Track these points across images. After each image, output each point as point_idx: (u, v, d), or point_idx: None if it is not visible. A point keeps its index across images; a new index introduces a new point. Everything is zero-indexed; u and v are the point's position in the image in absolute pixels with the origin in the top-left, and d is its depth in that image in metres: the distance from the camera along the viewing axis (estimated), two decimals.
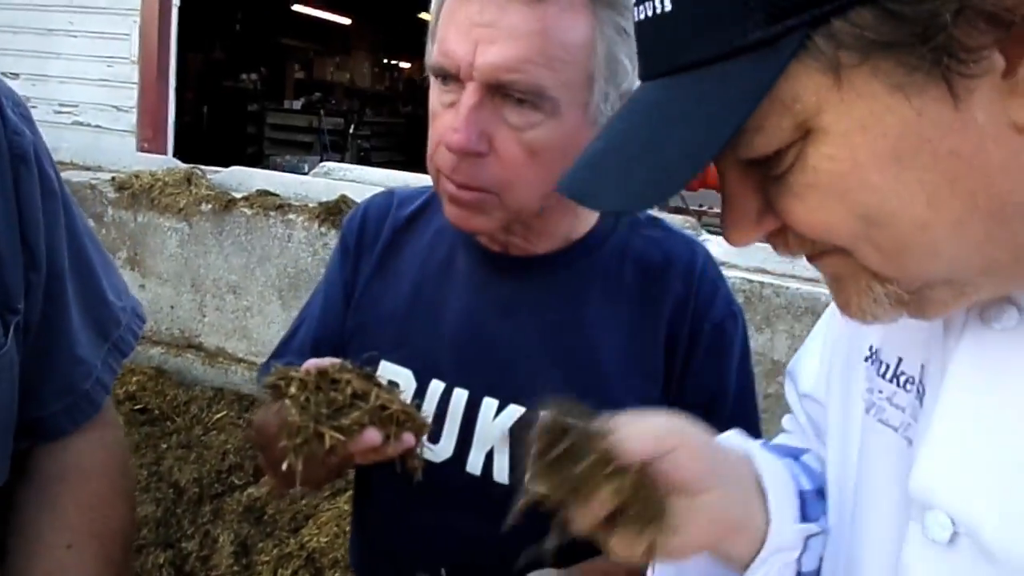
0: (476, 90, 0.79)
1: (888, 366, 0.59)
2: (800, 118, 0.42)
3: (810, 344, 0.77)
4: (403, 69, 17.22)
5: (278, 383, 0.77)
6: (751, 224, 0.49)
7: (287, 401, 0.75)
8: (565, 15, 0.78)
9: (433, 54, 0.83)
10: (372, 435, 0.75)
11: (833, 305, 0.69)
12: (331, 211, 3.17)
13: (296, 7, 12.49)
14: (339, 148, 12.15)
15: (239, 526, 2.48)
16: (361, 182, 3.74)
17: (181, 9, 5.27)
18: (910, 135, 0.41)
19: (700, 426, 0.63)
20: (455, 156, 0.81)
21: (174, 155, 5.03)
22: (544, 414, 0.61)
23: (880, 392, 0.59)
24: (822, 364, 0.72)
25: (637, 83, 0.86)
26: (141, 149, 5.06)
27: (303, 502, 2.58)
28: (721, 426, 0.94)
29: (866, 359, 0.62)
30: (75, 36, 5.36)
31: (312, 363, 0.79)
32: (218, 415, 3.14)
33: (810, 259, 0.50)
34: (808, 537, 0.63)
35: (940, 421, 0.51)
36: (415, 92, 16.49)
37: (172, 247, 3.44)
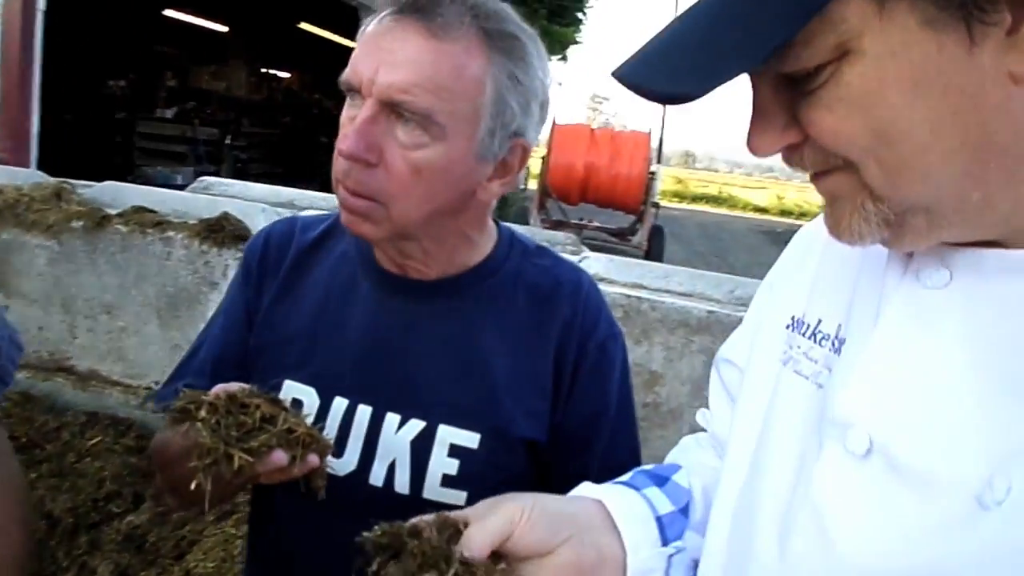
0: (372, 105, 0.88)
1: (808, 326, 0.68)
2: (843, 38, 0.48)
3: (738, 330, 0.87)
4: (282, 79, 16.86)
5: (188, 406, 0.81)
6: (776, 135, 0.55)
7: (198, 424, 0.80)
8: (460, 53, 0.88)
9: (346, 72, 0.92)
10: (279, 456, 0.81)
11: (766, 282, 0.81)
12: (212, 228, 3.10)
13: (169, 12, 12.03)
14: (215, 159, 11.78)
15: (119, 555, 2.39)
16: (243, 198, 3.68)
17: (46, 12, 5.02)
18: (930, 66, 0.48)
19: (543, 493, 0.74)
20: (348, 163, 0.90)
21: (38, 168, 4.77)
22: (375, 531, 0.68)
23: (798, 347, 0.68)
24: (746, 332, 0.83)
25: (525, 124, 0.96)
26: (1, 162, 4.77)
27: (187, 528, 2.52)
28: (604, 436, 1.04)
29: (787, 327, 0.71)
30: None
31: (221, 387, 0.84)
32: (92, 441, 3.00)
33: (815, 178, 0.57)
34: (671, 556, 0.74)
35: (870, 355, 0.59)
36: (294, 103, 16.18)
37: (40, 266, 3.28)
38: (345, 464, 0.99)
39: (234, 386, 0.85)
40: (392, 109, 0.88)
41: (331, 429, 1.00)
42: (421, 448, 0.98)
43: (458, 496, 0.97)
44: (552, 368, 1.02)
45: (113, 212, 3.26)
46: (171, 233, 3.14)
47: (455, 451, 0.98)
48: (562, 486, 1.05)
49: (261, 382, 0.95)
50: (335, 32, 12.69)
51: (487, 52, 0.90)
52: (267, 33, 13.97)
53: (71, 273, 3.25)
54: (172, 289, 3.15)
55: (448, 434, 0.98)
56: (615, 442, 1.05)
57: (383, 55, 0.87)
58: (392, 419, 0.99)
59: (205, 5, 12.22)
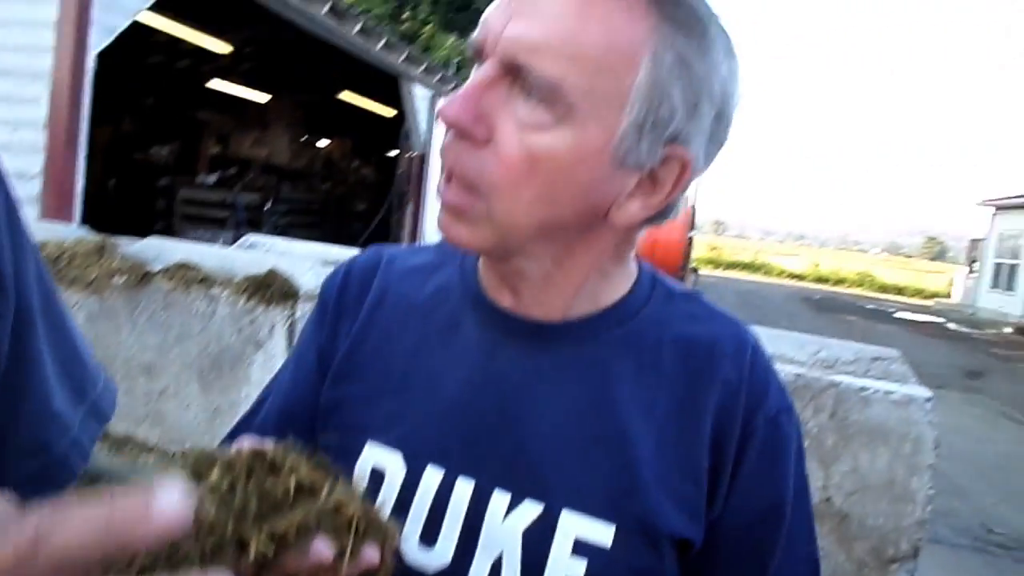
0: (492, 65, 0.69)
1: None
2: None
3: None
4: (321, 147, 17.13)
5: (198, 468, 0.53)
6: None
7: (204, 490, 0.51)
8: (617, 13, 0.67)
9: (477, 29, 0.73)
10: (320, 548, 0.52)
11: None
12: (259, 285, 2.95)
13: (214, 82, 12.31)
14: (255, 224, 11.87)
15: None
16: (289, 254, 3.54)
17: (95, 76, 5.03)
18: None
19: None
20: (450, 136, 0.71)
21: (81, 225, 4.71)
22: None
23: None
24: None
25: (689, 130, 0.72)
26: (44, 218, 4.72)
27: None
28: (777, 540, 0.79)
29: None
30: None
31: (248, 442, 0.57)
32: None
33: None
34: None
35: None
36: (333, 170, 16.39)
37: (79, 323, 3.14)
38: (437, 556, 0.76)
39: (265, 442, 0.58)
40: (515, 74, 0.68)
41: (421, 508, 0.77)
42: (537, 541, 0.74)
43: None
44: (709, 446, 0.78)
45: (156, 269, 3.12)
46: (216, 290, 2.99)
47: (581, 548, 0.74)
48: None
49: (336, 444, 0.75)
50: (375, 101, 12.85)
51: (653, 17, 0.68)
52: (308, 102, 14.21)
53: (111, 331, 3.11)
54: (215, 349, 2.99)
55: (573, 524, 0.74)
56: (791, 548, 0.81)
57: (519, 4, 0.69)
58: (500, 499, 0.76)
59: (249, 76, 12.47)
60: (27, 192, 4.99)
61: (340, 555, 0.52)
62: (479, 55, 0.72)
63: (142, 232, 4.47)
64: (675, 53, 0.68)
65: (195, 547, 0.48)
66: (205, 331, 3.00)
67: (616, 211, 0.74)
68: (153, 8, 5.85)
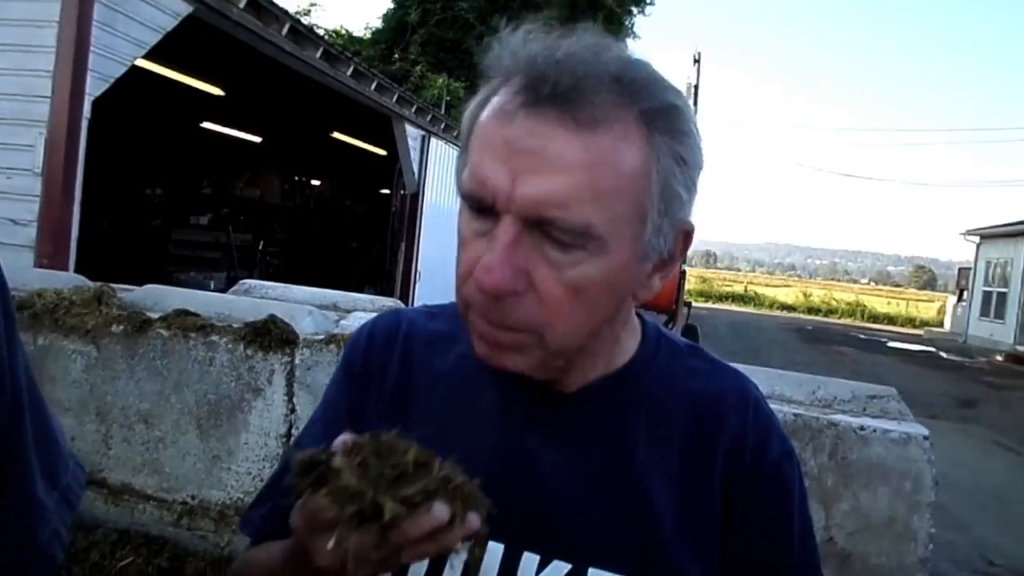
0: (514, 224, 0.69)
1: None
2: None
3: None
4: (314, 186, 17.19)
5: (318, 457, 0.63)
6: None
7: (338, 462, 0.62)
8: (618, 144, 0.70)
9: (465, 178, 0.73)
10: (440, 510, 0.62)
11: None
12: (258, 332, 2.95)
13: (206, 124, 12.38)
14: (247, 264, 11.86)
15: None
16: (286, 300, 3.55)
17: (89, 121, 5.07)
18: None
19: None
20: (488, 296, 0.71)
21: (76, 271, 4.71)
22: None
23: None
24: None
25: (693, 214, 0.78)
26: (40, 265, 4.72)
27: None
28: (789, 572, 0.85)
29: None
30: None
31: (347, 437, 0.66)
32: (123, 562, 2.77)
33: None
34: None
35: None
36: (326, 209, 16.44)
37: (76, 372, 3.13)
38: None
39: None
40: (539, 225, 0.70)
41: (454, 572, 0.80)
42: None
43: None
44: (720, 494, 0.83)
45: (155, 316, 3.13)
46: (215, 337, 3.00)
47: None
48: None
49: None
50: (365, 141, 12.95)
51: (647, 136, 0.72)
52: (300, 143, 14.30)
53: (108, 380, 3.10)
54: (214, 396, 2.98)
55: None
56: None
57: (522, 160, 0.69)
58: (530, 561, 0.80)
59: (240, 118, 12.57)
60: (22, 238, 4.99)
61: (452, 519, 0.62)
62: (480, 208, 0.72)
63: (136, 273, 4.48)
64: (671, 153, 0.73)
65: (340, 513, 0.60)
66: (204, 378, 3.00)
67: (640, 291, 0.80)
68: (147, 56, 5.91)
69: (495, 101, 0.72)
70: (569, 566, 0.79)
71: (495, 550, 0.80)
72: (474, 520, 0.64)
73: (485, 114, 0.73)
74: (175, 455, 3.02)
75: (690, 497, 0.82)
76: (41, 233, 4.84)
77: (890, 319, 36.49)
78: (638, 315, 0.90)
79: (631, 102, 0.70)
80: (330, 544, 0.60)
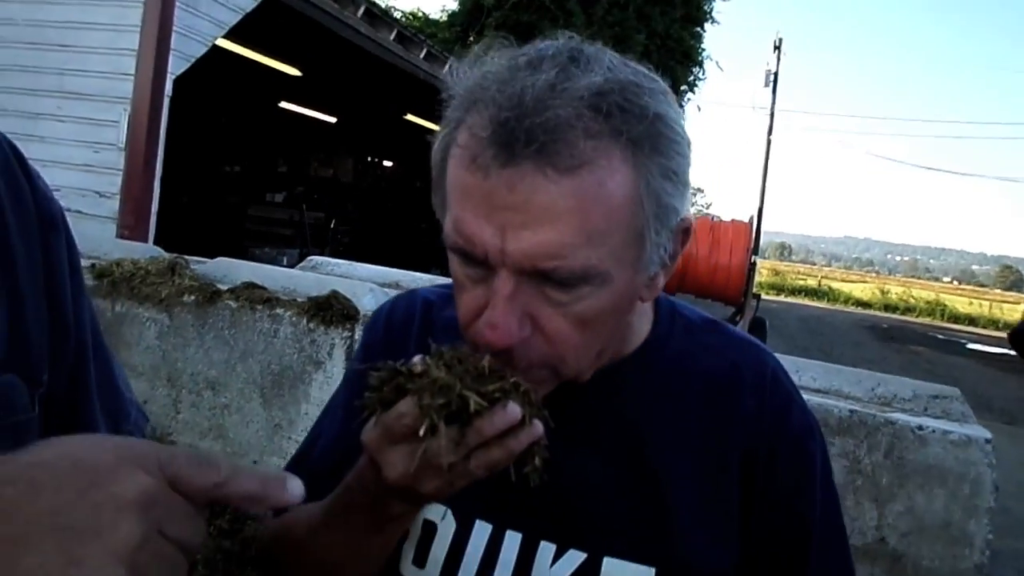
0: (508, 278, 0.67)
1: None
2: None
3: None
4: (386, 167, 17.43)
5: (400, 369, 0.66)
6: None
7: (421, 365, 0.65)
8: (605, 180, 0.66)
9: (449, 230, 0.70)
10: (515, 408, 0.63)
11: None
12: (321, 306, 3.04)
13: (283, 104, 12.67)
14: (319, 242, 12.13)
15: None
16: (350, 277, 3.64)
17: (170, 99, 5.26)
18: None
19: None
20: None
21: (154, 243, 4.91)
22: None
23: None
24: None
25: (686, 214, 0.73)
26: (121, 236, 4.94)
27: None
28: (811, 559, 0.83)
29: None
30: (62, 121, 5.32)
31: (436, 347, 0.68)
32: None
33: None
34: None
35: None
36: (397, 190, 16.66)
37: (150, 339, 3.28)
38: None
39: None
40: (539, 277, 0.68)
41: (472, 561, 0.82)
42: None
43: None
44: (738, 477, 0.82)
45: (224, 288, 3.25)
46: (280, 310, 3.10)
47: None
48: None
49: None
50: (438, 123, 12.96)
51: (633, 162, 0.67)
52: (373, 124, 14.51)
53: (179, 347, 3.24)
54: (277, 367, 3.08)
55: (615, 569, 0.79)
56: (824, 562, 0.84)
57: (507, 216, 0.65)
58: (547, 549, 0.81)
59: (317, 99, 12.81)
60: (106, 210, 5.23)
61: (522, 420, 0.64)
62: (472, 260, 0.70)
63: (213, 248, 4.64)
64: (660, 171, 0.69)
65: (431, 401, 0.63)
66: (268, 349, 3.10)
67: (647, 293, 0.78)
68: (228, 35, 6.10)
69: (464, 144, 0.68)
70: (584, 555, 0.80)
71: (512, 539, 0.82)
72: (538, 426, 0.65)
73: (456, 160, 0.70)
74: (239, 422, 3.14)
75: (708, 480, 0.81)
76: (123, 205, 5.07)
77: (972, 320, 35.11)
78: None
79: (613, 133, 0.66)
80: (422, 430, 0.62)
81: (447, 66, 0.75)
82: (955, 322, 34.61)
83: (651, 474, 0.81)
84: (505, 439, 0.64)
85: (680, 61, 16.16)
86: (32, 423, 0.66)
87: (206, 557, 2.68)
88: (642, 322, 0.87)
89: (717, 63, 18.38)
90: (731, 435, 0.83)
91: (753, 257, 12.71)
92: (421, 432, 0.62)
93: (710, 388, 0.84)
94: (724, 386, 0.84)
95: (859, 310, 35.01)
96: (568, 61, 0.67)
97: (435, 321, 0.92)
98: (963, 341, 23.02)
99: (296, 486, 0.49)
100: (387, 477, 0.66)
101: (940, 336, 24.04)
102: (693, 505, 0.81)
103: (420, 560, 0.84)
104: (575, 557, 0.80)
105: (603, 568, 0.79)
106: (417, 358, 0.66)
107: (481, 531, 0.82)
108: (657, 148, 0.68)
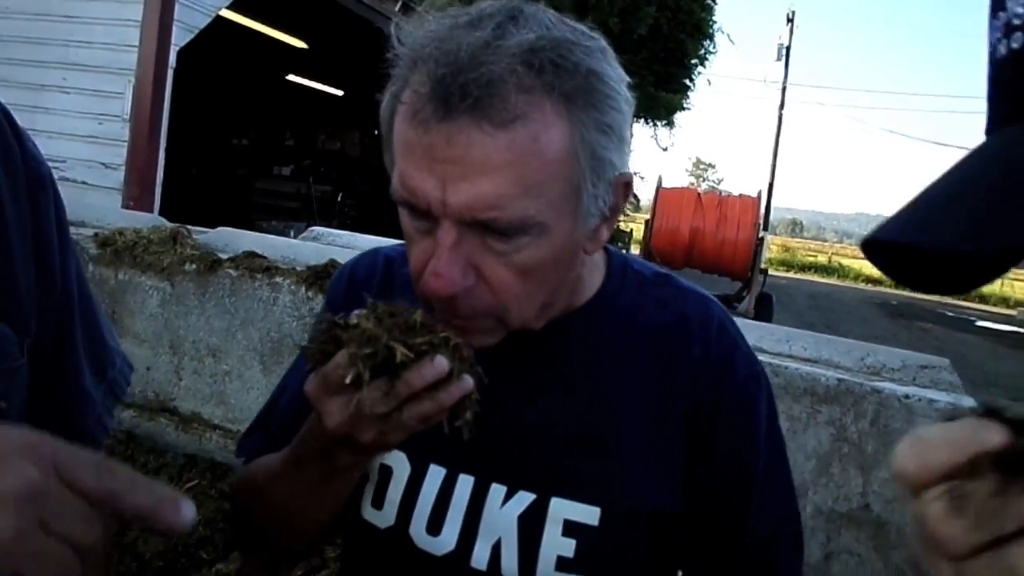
0: (452, 227, 0.71)
1: None
2: None
3: None
4: None
5: (336, 321, 0.68)
6: None
7: (355, 317, 0.67)
8: (539, 134, 0.68)
9: (395, 184, 0.74)
10: (442, 361, 0.65)
11: None
12: (319, 275, 3.08)
13: (290, 77, 12.65)
14: (326, 215, 12.16)
15: None
16: (351, 247, 3.67)
17: (176, 71, 5.28)
18: None
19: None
20: (443, 297, 0.73)
21: (160, 214, 4.96)
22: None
23: None
24: None
25: (625, 170, 0.77)
26: (127, 207, 4.99)
27: None
28: (753, 501, 0.87)
29: None
30: (68, 92, 5.35)
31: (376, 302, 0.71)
32: (189, 484, 2.98)
33: None
34: None
35: None
36: None
37: (152, 307, 3.33)
38: (443, 543, 0.85)
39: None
40: (479, 227, 0.71)
41: (426, 503, 0.86)
42: (531, 525, 0.83)
43: None
44: (683, 423, 0.85)
45: (225, 257, 3.29)
46: (279, 279, 3.14)
47: (571, 529, 0.82)
48: (704, 565, 0.89)
49: None
50: None
51: (568, 115, 0.70)
52: (381, 98, 14.47)
53: (181, 315, 3.29)
54: (276, 335, 3.13)
55: (562, 509, 0.83)
56: (766, 508, 0.87)
57: (446, 169, 0.68)
58: (497, 491, 0.85)
59: (324, 72, 12.80)
60: (112, 181, 5.28)
61: (450, 374, 0.66)
62: (417, 212, 0.73)
63: (221, 220, 4.69)
64: (595, 125, 0.72)
65: (356, 351, 0.65)
66: (268, 317, 3.15)
67: (590, 245, 0.81)
68: (232, 7, 6.10)
69: (407, 100, 0.71)
70: (533, 496, 0.83)
71: (464, 482, 0.85)
72: (468, 380, 0.68)
73: (400, 116, 0.72)
74: (240, 388, 3.20)
75: (655, 428, 0.85)
76: (128, 176, 5.11)
77: (982, 297, 34.92)
78: (605, 248, 0.91)
79: (546, 87, 0.68)
80: (348, 378, 0.65)
81: (392, 25, 0.77)
82: (965, 299, 34.44)
83: (600, 421, 0.85)
84: (435, 392, 0.66)
85: (691, 34, 15.98)
86: (21, 370, 0.70)
87: (207, 517, 2.76)
88: (594, 276, 0.90)
89: (728, 36, 18.17)
90: (678, 384, 0.86)
91: (762, 232, 12.67)
92: (347, 380, 0.65)
93: (659, 339, 0.87)
94: (672, 337, 0.87)
95: (869, 287, 34.88)
96: (506, 19, 0.70)
97: (395, 277, 0.95)
98: (972, 318, 22.94)
99: (188, 511, 0.50)
100: (327, 426, 0.70)
101: (950, 313, 23.96)
102: (639, 451, 0.84)
103: (378, 503, 0.88)
104: (524, 498, 0.83)
105: (550, 508, 0.82)
106: (356, 312, 0.69)
107: (435, 475, 0.86)
108: (591, 103, 0.71)
